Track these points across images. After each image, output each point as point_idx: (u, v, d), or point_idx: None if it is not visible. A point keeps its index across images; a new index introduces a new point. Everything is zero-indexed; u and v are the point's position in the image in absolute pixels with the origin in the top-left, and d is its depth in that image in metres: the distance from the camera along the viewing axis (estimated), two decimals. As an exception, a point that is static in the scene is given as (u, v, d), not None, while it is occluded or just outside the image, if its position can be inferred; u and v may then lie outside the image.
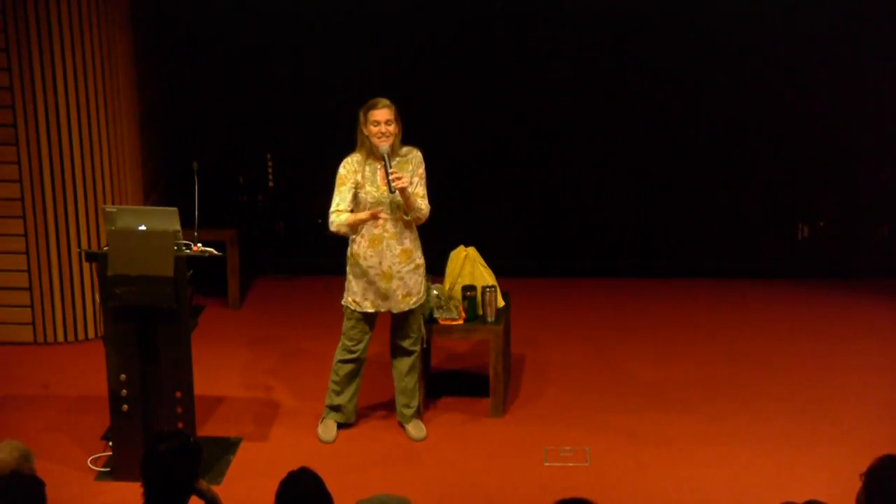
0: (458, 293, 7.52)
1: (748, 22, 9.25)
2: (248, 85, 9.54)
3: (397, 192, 6.88)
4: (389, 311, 7.16)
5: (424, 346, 7.40)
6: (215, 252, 6.83)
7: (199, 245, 6.80)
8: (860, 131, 9.37)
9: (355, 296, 7.12)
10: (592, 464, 7.04)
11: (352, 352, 7.25)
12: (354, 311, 7.15)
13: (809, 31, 9.24)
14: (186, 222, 6.84)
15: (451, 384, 7.96)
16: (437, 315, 7.49)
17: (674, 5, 9.26)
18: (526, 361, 8.29)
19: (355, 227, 6.98)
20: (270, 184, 9.56)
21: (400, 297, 7.11)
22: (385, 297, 7.09)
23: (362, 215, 6.91)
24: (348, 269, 7.15)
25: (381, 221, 6.99)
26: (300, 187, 9.59)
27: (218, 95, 9.53)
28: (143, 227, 6.67)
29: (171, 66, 9.55)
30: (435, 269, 7.64)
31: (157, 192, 9.34)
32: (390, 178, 6.84)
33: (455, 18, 9.39)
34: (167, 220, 6.69)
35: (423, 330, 7.35)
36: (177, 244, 6.68)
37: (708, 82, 9.39)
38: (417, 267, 7.16)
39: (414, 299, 7.17)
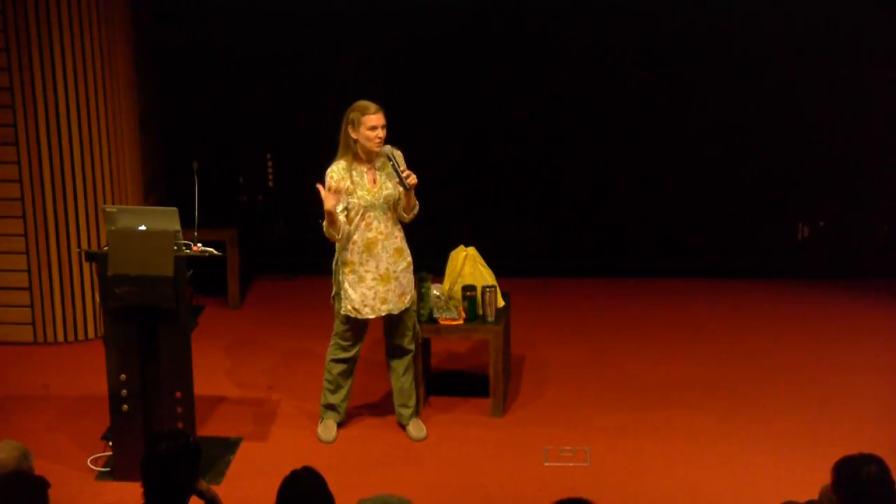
0: (458, 293, 7.52)
1: (748, 22, 9.25)
2: (248, 85, 9.54)
3: (385, 192, 6.91)
4: (389, 314, 7.16)
5: (420, 342, 7.40)
6: (215, 252, 6.83)
7: (199, 245, 6.80)
8: (860, 131, 9.38)
9: (353, 303, 7.07)
10: (592, 464, 7.04)
11: (346, 351, 7.25)
12: (355, 318, 7.15)
13: (809, 31, 9.24)
14: (186, 222, 6.84)
15: (451, 384, 7.96)
16: (437, 315, 7.49)
17: (674, 5, 9.26)
18: (526, 361, 8.29)
19: (335, 226, 6.87)
20: (270, 184, 9.56)
21: (397, 297, 7.11)
22: (384, 300, 7.09)
23: (330, 213, 6.83)
24: (341, 277, 7.08)
25: (373, 223, 7.00)
26: (300, 187, 9.57)
27: (217, 95, 9.53)
28: (143, 227, 6.67)
29: (171, 66, 9.55)
30: (435, 269, 7.64)
31: (157, 192, 9.34)
32: (402, 176, 6.87)
33: (455, 17, 9.39)
34: (167, 220, 6.69)
35: (419, 327, 7.36)
36: (177, 244, 6.68)
37: (708, 82, 9.39)
38: (409, 265, 7.17)
39: (408, 297, 7.18)
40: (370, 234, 7.00)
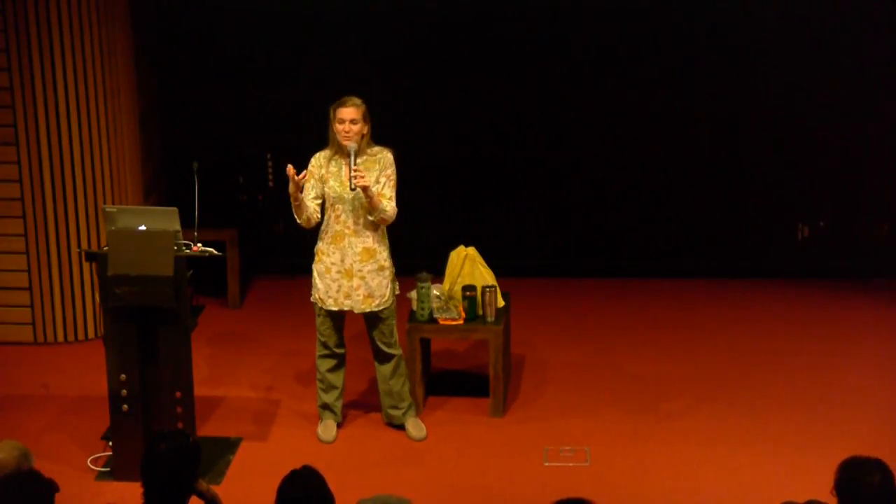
0: (458, 293, 7.52)
1: (748, 22, 9.25)
2: (248, 85, 9.54)
3: (359, 190, 6.87)
4: (352, 311, 7.15)
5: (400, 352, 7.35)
6: (215, 252, 6.84)
7: (199, 245, 6.80)
8: (860, 131, 9.37)
9: (319, 292, 7.14)
10: (592, 464, 7.04)
11: (327, 346, 7.26)
12: (321, 308, 7.17)
13: (809, 31, 9.24)
14: (186, 222, 6.84)
15: (451, 384, 7.96)
16: (437, 315, 7.49)
17: (674, 5, 9.26)
18: (526, 361, 8.29)
19: (298, 209, 6.98)
20: (270, 184, 9.55)
21: (361, 297, 7.09)
22: (347, 295, 7.09)
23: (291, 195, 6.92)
24: (313, 265, 7.16)
25: (341, 217, 7.01)
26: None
27: (218, 95, 9.53)
28: (143, 227, 6.68)
29: (171, 66, 9.55)
30: (435, 269, 7.64)
31: (157, 192, 9.34)
32: (352, 175, 6.84)
33: (457, 18, 9.38)
34: (167, 220, 6.69)
35: (396, 335, 7.29)
36: (177, 244, 6.68)
37: (707, 82, 9.39)
38: (382, 268, 7.10)
39: (376, 302, 7.11)
40: (337, 227, 7.04)
